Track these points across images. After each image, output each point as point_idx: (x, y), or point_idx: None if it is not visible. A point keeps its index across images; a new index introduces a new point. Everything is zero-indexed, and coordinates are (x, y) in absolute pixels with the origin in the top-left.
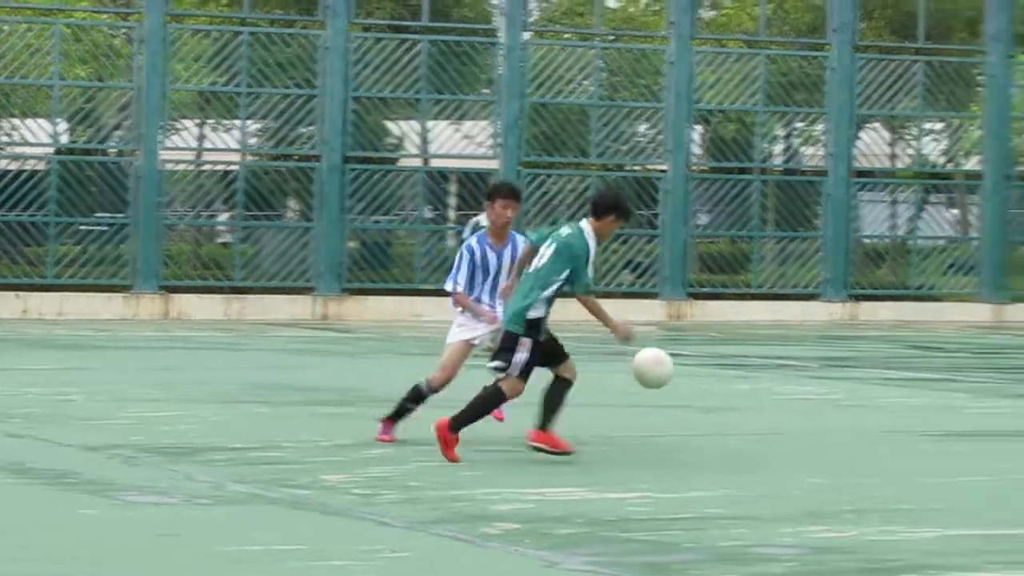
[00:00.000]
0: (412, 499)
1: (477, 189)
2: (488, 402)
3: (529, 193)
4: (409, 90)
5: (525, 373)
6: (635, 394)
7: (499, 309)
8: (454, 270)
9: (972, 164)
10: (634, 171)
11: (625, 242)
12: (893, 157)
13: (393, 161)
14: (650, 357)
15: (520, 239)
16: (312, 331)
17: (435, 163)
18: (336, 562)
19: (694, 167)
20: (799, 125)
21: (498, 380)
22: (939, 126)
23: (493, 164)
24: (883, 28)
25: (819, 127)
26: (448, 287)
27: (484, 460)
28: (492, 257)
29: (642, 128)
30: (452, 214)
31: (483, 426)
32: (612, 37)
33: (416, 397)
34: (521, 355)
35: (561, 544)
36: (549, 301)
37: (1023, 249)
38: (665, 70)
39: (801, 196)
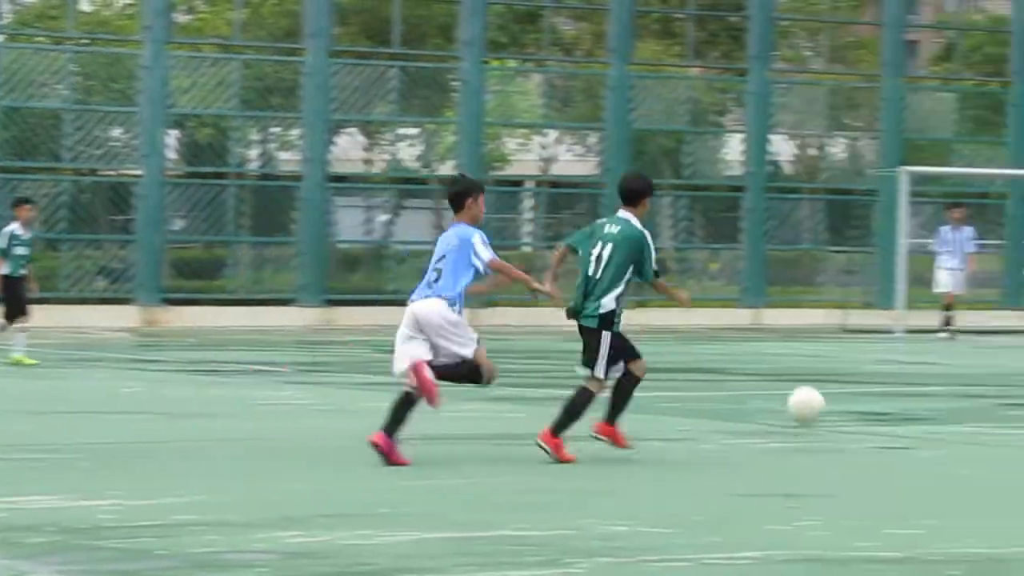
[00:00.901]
0: None
1: None
2: (582, 405)
3: (1, 199)
4: None
5: (606, 371)
6: (107, 401)
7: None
8: (485, 247)
9: (447, 169)
10: (108, 176)
11: (99, 248)
12: (368, 162)
13: None
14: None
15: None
16: None
17: None
18: None
19: (169, 172)
20: (275, 130)
21: (586, 382)
22: (414, 131)
23: None
24: (358, 34)
25: (295, 132)
26: (489, 257)
27: None
28: None
29: (116, 133)
30: None
31: None
32: (86, 41)
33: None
34: (603, 352)
35: (31, 553)
36: (621, 295)
37: (499, 254)
38: (140, 74)
39: (277, 201)
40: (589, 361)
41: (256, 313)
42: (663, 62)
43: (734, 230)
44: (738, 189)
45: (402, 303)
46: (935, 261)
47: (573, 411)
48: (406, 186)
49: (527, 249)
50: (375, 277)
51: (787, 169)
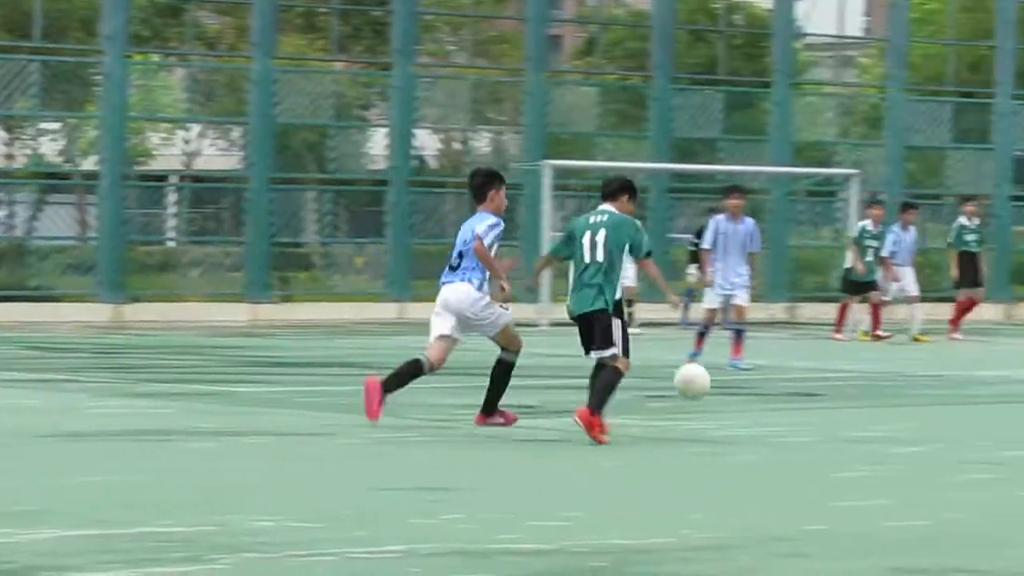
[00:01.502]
0: None
1: None
2: (614, 383)
3: None
4: None
5: (626, 349)
6: None
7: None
8: (488, 230)
9: (90, 164)
10: None
11: None
12: (10, 157)
13: None
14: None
15: None
16: None
17: None
18: None
19: None
20: None
21: (612, 362)
22: (56, 126)
23: None
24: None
25: None
26: (479, 238)
27: None
28: None
29: None
30: None
31: None
32: None
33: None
34: (618, 335)
35: None
36: (619, 280)
37: (141, 248)
38: None
39: None
40: (603, 343)
41: None
42: (307, 56)
43: (379, 224)
44: (382, 183)
45: (45, 299)
46: None
47: (606, 389)
48: (48, 181)
49: (171, 244)
50: (17, 273)
51: (432, 163)
